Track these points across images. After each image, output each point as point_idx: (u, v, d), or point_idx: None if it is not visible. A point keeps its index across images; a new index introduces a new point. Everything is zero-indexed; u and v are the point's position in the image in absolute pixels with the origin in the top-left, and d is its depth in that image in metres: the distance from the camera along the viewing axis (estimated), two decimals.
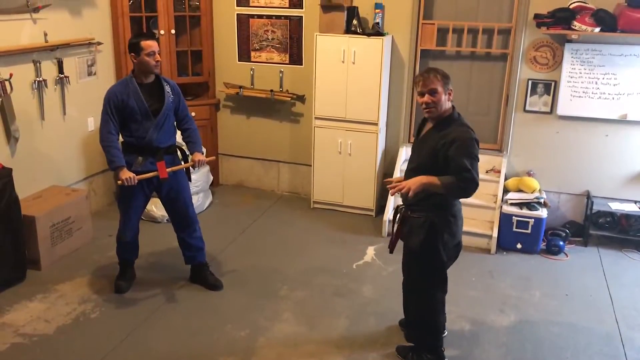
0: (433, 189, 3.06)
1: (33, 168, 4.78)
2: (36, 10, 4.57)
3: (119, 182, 3.70)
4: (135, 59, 3.73)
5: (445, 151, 3.05)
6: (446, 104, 3.14)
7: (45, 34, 4.71)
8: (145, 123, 3.79)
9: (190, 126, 4.02)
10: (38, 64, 4.67)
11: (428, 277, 3.35)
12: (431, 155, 3.12)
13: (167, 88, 3.88)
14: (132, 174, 3.70)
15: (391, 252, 3.46)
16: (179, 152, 4.05)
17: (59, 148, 5.05)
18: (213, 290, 4.21)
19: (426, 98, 3.10)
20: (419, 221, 3.23)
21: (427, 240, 3.22)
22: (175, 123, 4.01)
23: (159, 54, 3.77)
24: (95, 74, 5.36)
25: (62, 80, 4.94)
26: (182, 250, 4.21)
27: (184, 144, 4.10)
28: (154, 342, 3.63)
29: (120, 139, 3.86)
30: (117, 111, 3.75)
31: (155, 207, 5.28)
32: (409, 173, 3.26)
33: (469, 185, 3.00)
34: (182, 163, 4.02)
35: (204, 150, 4.33)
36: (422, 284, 3.38)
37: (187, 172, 4.06)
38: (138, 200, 3.99)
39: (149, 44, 3.69)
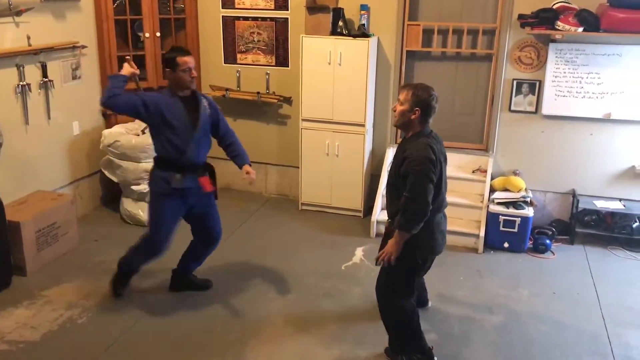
0: (403, 239, 3.17)
1: (18, 173, 4.73)
2: (19, 13, 4.52)
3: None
4: (170, 74, 3.65)
5: (400, 167, 3.19)
6: (410, 118, 3.22)
7: (29, 38, 4.66)
8: (184, 138, 3.67)
9: (233, 139, 3.93)
10: (21, 68, 4.63)
11: (397, 288, 3.39)
12: (394, 171, 3.28)
13: (205, 102, 3.80)
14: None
15: (377, 264, 3.37)
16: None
17: (44, 152, 5.00)
18: (204, 290, 4.19)
19: (394, 105, 3.33)
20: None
21: (403, 255, 3.24)
22: (217, 139, 3.92)
23: (194, 69, 3.68)
24: (80, 77, 5.32)
25: (46, 84, 4.90)
26: (188, 262, 4.12)
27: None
28: (142, 346, 3.60)
29: (153, 153, 3.79)
30: (152, 112, 3.61)
31: (142, 211, 5.25)
32: (387, 187, 3.44)
33: (415, 216, 3.11)
34: (210, 178, 3.89)
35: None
36: (391, 294, 3.41)
37: (215, 190, 3.94)
38: (174, 214, 3.82)
39: (185, 60, 3.60)
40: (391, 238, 3.24)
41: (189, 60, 3.62)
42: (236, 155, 3.92)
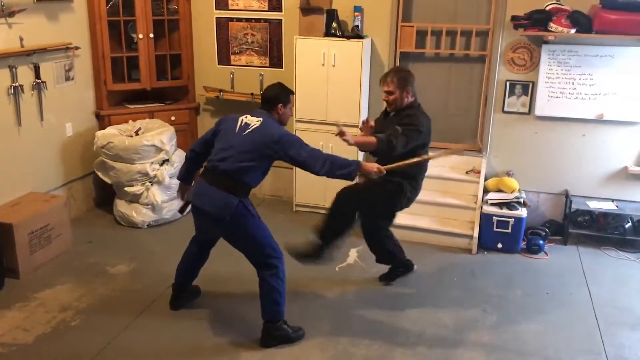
0: (371, 148, 3.81)
1: (10, 175, 4.71)
2: (11, 14, 4.50)
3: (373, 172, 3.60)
4: (282, 109, 3.63)
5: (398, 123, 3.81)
6: (404, 100, 3.88)
7: (21, 39, 4.64)
8: None
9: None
10: (14, 69, 4.61)
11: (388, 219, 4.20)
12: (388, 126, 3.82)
13: None
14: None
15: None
16: None
17: (36, 154, 4.98)
18: (198, 296, 4.15)
19: (384, 96, 3.92)
20: (393, 185, 3.92)
21: (396, 192, 3.97)
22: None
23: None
24: (73, 78, 5.30)
25: (39, 86, 4.88)
26: (189, 272, 4.02)
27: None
28: (136, 349, 3.59)
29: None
30: None
31: (136, 213, 5.24)
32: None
33: (398, 143, 3.71)
34: None
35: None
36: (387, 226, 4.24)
37: None
38: None
39: (293, 99, 3.77)
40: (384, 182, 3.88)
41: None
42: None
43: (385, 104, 4.07)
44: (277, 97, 3.61)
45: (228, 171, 3.45)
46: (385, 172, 3.59)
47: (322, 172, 3.44)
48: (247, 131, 3.48)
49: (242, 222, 3.51)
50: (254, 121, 3.52)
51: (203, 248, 3.95)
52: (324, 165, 3.41)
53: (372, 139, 3.76)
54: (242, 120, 3.56)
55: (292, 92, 3.73)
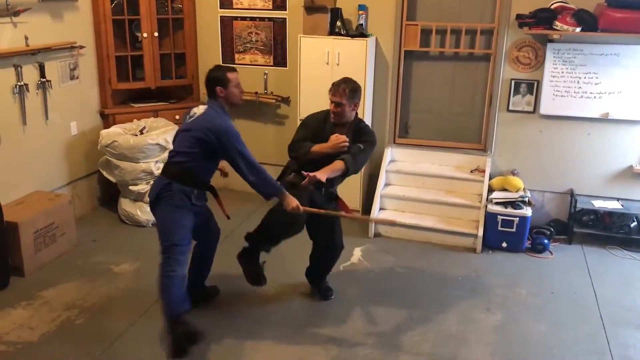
0: (335, 174, 3.71)
1: (15, 173, 4.72)
2: (16, 13, 4.51)
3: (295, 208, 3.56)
4: (222, 92, 3.54)
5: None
6: (351, 113, 3.79)
7: (26, 38, 4.65)
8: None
9: None
10: (19, 69, 4.62)
11: None
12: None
13: None
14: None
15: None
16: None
17: (41, 153, 4.99)
18: (216, 297, 4.16)
19: (332, 107, 3.76)
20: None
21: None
22: None
23: (238, 85, 3.62)
24: (77, 77, 5.31)
25: (44, 85, 4.89)
26: (198, 272, 4.03)
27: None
28: (141, 348, 3.60)
29: (157, 158, 3.78)
30: None
31: (140, 211, 5.25)
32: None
33: (360, 165, 3.84)
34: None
35: None
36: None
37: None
38: (191, 226, 3.65)
39: (236, 76, 3.60)
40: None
41: (237, 76, 3.60)
42: None
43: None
44: (213, 81, 3.59)
45: (176, 161, 3.55)
46: (302, 211, 3.54)
47: (251, 179, 3.51)
48: (192, 119, 3.56)
49: (159, 205, 3.54)
50: (200, 110, 3.58)
51: (198, 241, 3.96)
52: (257, 176, 3.51)
53: (340, 165, 3.68)
54: (192, 111, 3.64)
55: (229, 70, 3.61)
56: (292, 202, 3.55)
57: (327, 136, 3.78)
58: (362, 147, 3.75)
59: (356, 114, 3.87)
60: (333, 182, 3.84)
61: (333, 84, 3.79)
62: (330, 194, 3.96)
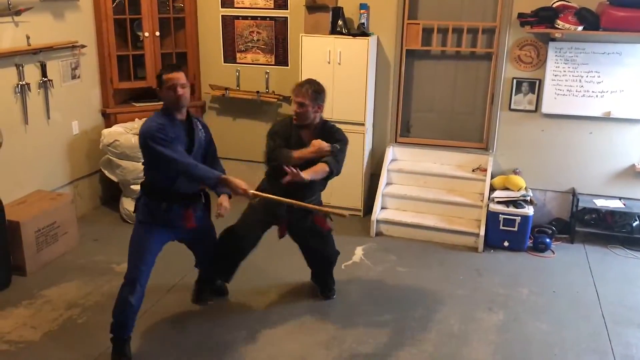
0: (317, 176, 3.61)
1: (17, 173, 4.72)
2: (18, 13, 4.51)
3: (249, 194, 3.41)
4: (159, 93, 3.42)
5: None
6: (314, 115, 3.65)
7: (28, 37, 4.66)
8: None
9: (219, 168, 3.67)
10: (21, 68, 4.62)
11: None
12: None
13: (199, 125, 3.56)
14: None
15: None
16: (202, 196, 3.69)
17: (43, 152, 5.00)
18: (218, 296, 4.17)
19: (295, 107, 3.63)
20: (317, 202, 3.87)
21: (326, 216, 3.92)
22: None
23: (181, 86, 3.33)
24: (79, 77, 5.31)
25: (45, 84, 4.89)
26: (208, 267, 4.06)
27: None
28: (141, 347, 3.60)
29: (141, 180, 3.61)
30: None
31: None
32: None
33: (341, 165, 3.70)
34: (205, 206, 3.69)
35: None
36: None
37: (209, 212, 3.75)
38: (156, 244, 3.52)
39: (170, 77, 3.33)
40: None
41: (173, 76, 3.33)
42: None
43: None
44: (156, 83, 3.51)
45: (144, 174, 3.60)
46: (251, 195, 3.43)
47: (184, 176, 3.37)
48: None
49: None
50: None
51: (195, 254, 3.98)
52: (186, 172, 3.33)
53: (323, 167, 3.59)
54: None
55: (169, 70, 3.38)
56: (240, 184, 3.37)
57: (295, 140, 3.68)
58: (339, 147, 3.69)
59: (321, 116, 3.75)
60: (313, 188, 3.73)
61: (296, 85, 3.70)
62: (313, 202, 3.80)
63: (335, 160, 3.63)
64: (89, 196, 5.64)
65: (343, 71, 5.28)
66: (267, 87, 5.91)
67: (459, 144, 5.54)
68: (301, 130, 3.71)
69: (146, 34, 5.60)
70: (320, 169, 3.59)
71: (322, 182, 3.80)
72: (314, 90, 3.61)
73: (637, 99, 4.95)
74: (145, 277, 3.43)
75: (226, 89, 5.96)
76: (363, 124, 5.39)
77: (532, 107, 5.24)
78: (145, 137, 3.31)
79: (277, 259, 4.75)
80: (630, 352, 3.66)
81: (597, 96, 5.02)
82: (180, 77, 3.35)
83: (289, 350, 3.61)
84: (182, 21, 5.86)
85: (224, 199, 3.61)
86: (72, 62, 5.20)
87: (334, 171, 3.65)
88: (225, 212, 3.58)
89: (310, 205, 3.69)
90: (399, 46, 5.44)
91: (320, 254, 4.07)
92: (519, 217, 4.93)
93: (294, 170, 3.41)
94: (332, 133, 3.76)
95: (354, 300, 4.19)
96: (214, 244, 3.92)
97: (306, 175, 3.46)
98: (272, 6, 5.69)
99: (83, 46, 5.25)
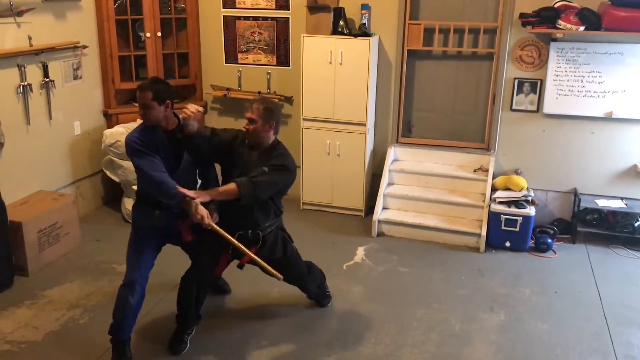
0: (230, 197, 3.35)
1: (19, 173, 4.73)
2: (20, 13, 4.52)
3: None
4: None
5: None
6: (265, 133, 3.43)
7: (30, 38, 4.67)
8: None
9: (210, 177, 3.68)
10: (23, 68, 4.63)
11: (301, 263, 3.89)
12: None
13: None
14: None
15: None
16: None
17: (45, 153, 5.01)
18: (220, 294, 4.19)
19: (245, 124, 3.43)
20: (274, 237, 3.63)
21: (285, 245, 3.72)
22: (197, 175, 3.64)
23: (142, 106, 3.31)
24: (81, 77, 5.32)
25: (47, 85, 4.90)
26: None
27: None
28: (143, 346, 3.60)
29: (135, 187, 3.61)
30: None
31: None
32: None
33: (263, 189, 3.37)
34: None
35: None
36: (304, 269, 3.90)
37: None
38: (153, 247, 3.54)
39: (137, 95, 3.33)
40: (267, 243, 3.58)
41: (138, 96, 3.32)
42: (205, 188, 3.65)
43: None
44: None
45: None
46: (207, 225, 3.27)
47: (150, 190, 3.35)
48: None
49: None
50: None
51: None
52: (154, 187, 3.31)
53: (232, 187, 3.33)
54: None
55: (139, 87, 3.34)
56: (200, 211, 3.26)
57: (242, 156, 3.48)
58: (267, 171, 3.36)
59: (276, 138, 3.54)
60: (239, 216, 3.45)
61: (249, 102, 3.53)
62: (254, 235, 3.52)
63: (250, 182, 3.32)
64: (91, 196, 5.65)
65: (344, 71, 5.28)
66: (268, 88, 5.91)
67: (461, 144, 5.54)
68: (251, 150, 3.49)
69: (148, 35, 5.60)
70: (227, 189, 3.36)
71: (263, 211, 3.52)
72: (265, 108, 3.41)
73: (638, 99, 4.94)
74: (144, 277, 3.44)
75: (227, 89, 5.96)
76: (364, 124, 5.39)
77: (534, 108, 5.23)
78: (126, 147, 3.40)
79: None
80: (632, 353, 3.65)
81: (598, 96, 5.02)
82: (139, 97, 3.31)
83: (290, 350, 3.61)
84: (183, 22, 5.87)
85: (212, 210, 3.47)
86: (73, 62, 5.21)
87: (245, 193, 3.31)
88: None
89: (255, 257, 3.46)
90: (400, 46, 5.44)
91: (291, 278, 3.81)
92: (521, 218, 4.92)
93: (189, 193, 3.27)
94: (272, 156, 3.46)
95: (356, 301, 4.19)
96: None
97: (205, 195, 3.31)
98: (274, 6, 5.69)
99: (85, 47, 5.26)
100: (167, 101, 3.37)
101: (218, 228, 3.36)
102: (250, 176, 3.35)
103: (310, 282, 3.97)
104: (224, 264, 3.63)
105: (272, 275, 3.50)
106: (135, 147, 3.32)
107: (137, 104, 3.33)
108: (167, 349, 3.58)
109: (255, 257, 3.47)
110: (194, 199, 3.26)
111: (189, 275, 3.63)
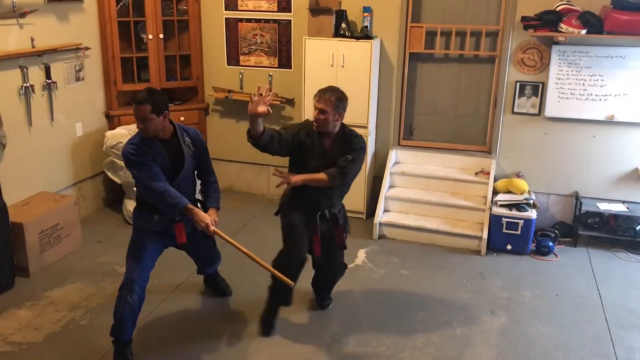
0: (317, 184, 3.54)
1: (21, 174, 4.74)
2: (23, 15, 4.53)
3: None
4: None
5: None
6: (334, 124, 3.55)
7: (32, 40, 4.67)
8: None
9: (213, 179, 3.73)
10: (25, 70, 4.64)
11: None
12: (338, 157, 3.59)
13: (187, 140, 3.54)
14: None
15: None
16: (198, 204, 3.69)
17: (47, 154, 5.01)
18: (221, 296, 4.19)
19: (316, 114, 3.51)
20: (343, 214, 3.87)
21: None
22: (197, 176, 3.75)
23: (142, 120, 3.28)
24: (83, 79, 5.33)
25: (49, 86, 4.91)
26: (202, 265, 4.13)
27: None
28: (144, 348, 3.60)
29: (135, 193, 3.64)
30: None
31: None
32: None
33: (345, 178, 3.56)
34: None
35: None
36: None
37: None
38: (153, 250, 3.55)
39: (133, 111, 3.33)
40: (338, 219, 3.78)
41: (134, 111, 3.31)
42: (207, 195, 3.69)
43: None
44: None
45: None
46: (212, 232, 3.40)
47: (151, 201, 3.40)
48: None
49: None
50: None
51: (195, 261, 4.07)
52: (154, 198, 3.36)
53: (322, 177, 3.50)
54: None
55: (135, 102, 3.32)
56: (204, 218, 3.38)
57: (317, 149, 3.58)
58: (351, 158, 3.52)
59: (342, 123, 3.63)
60: (332, 198, 3.66)
61: (319, 91, 3.58)
62: (332, 215, 3.73)
63: (340, 173, 3.51)
64: (93, 198, 5.65)
65: (346, 74, 5.29)
66: (270, 90, 5.90)
67: (462, 147, 5.54)
68: (322, 137, 3.60)
69: (150, 37, 5.61)
70: (319, 177, 3.52)
71: (339, 193, 3.72)
72: (337, 98, 3.51)
73: None
74: (143, 278, 3.44)
75: (229, 91, 5.97)
76: (366, 127, 5.39)
77: (535, 111, 5.23)
78: (123, 159, 3.43)
79: None
80: (634, 356, 3.65)
81: (600, 100, 5.02)
82: (138, 111, 3.28)
83: (291, 352, 3.61)
84: (185, 24, 5.87)
85: (212, 213, 3.58)
86: (76, 64, 5.22)
87: (335, 184, 3.54)
88: (214, 225, 3.49)
89: (264, 263, 3.54)
90: (402, 49, 5.45)
91: (331, 266, 3.94)
92: (522, 221, 4.92)
93: (284, 174, 3.46)
94: (349, 141, 3.61)
95: (357, 303, 4.19)
96: (212, 251, 3.99)
97: (297, 178, 3.47)
98: (276, 9, 5.70)
99: (87, 48, 5.27)
100: (165, 112, 3.37)
101: (223, 234, 3.43)
102: (339, 167, 3.51)
103: (340, 275, 4.06)
104: (317, 244, 3.73)
105: (282, 281, 3.53)
106: (132, 159, 3.34)
107: None
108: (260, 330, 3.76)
109: (259, 260, 3.53)
110: (289, 177, 3.44)
111: (288, 261, 3.68)
